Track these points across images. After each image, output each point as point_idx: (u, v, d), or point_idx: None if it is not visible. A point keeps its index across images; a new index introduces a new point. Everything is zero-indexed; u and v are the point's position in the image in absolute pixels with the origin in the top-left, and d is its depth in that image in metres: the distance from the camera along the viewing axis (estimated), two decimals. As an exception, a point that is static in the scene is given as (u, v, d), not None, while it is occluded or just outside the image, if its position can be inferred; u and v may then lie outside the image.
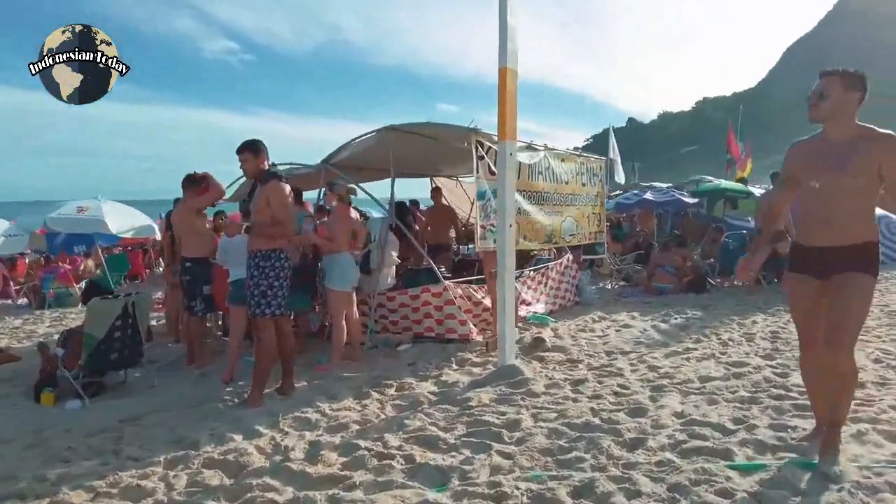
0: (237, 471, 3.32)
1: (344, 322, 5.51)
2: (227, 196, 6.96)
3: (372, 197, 6.96)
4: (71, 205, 9.28)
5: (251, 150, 4.54)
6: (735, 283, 9.37)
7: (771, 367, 4.72)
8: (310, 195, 8.28)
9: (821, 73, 2.81)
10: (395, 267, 6.60)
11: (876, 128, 2.73)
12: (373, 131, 6.16)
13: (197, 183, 5.90)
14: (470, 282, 6.68)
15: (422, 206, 9.68)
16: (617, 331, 6.51)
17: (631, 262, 11.00)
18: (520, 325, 6.77)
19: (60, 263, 13.14)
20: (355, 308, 5.77)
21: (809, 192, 2.85)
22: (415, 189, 10.38)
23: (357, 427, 3.87)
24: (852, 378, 2.90)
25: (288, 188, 4.55)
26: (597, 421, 3.60)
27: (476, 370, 5.10)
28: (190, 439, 3.81)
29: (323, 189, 6.44)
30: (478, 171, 5.61)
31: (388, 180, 8.32)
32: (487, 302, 6.35)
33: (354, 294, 5.76)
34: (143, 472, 3.33)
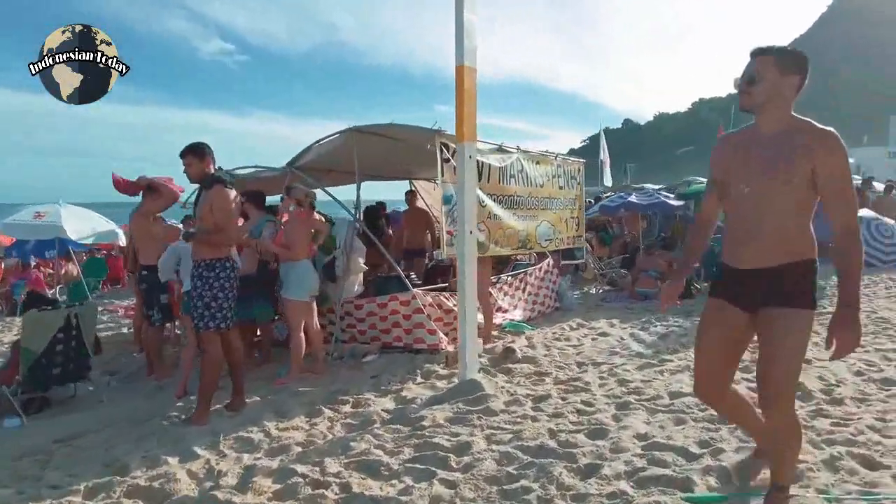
0: (160, 500, 3.07)
1: (302, 333, 5.25)
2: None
3: (337, 200, 6.71)
4: (28, 210, 9.02)
5: (195, 153, 4.29)
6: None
7: (746, 380, 4.45)
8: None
9: (751, 53, 2.35)
10: (362, 274, 6.34)
11: (814, 122, 2.28)
12: (337, 133, 5.91)
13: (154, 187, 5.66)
14: (441, 289, 6.43)
15: (389, 209, 9.42)
16: (593, 339, 6.26)
17: (616, 266, 10.76)
18: (495, 333, 6.55)
19: (42, 268, 12.86)
20: (315, 318, 5.51)
21: (738, 197, 2.37)
22: (390, 192, 10.11)
23: (299, 449, 3.61)
24: (795, 433, 2.43)
25: (233, 193, 4.30)
26: (552, 444, 3.34)
27: (440, 384, 4.84)
28: (121, 462, 3.56)
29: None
30: (443, 174, 5.36)
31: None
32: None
33: (315, 303, 5.49)
34: (58, 502, 3.08)
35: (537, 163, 6.87)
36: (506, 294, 7.38)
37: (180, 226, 6.40)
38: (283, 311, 5.50)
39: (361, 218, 7.18)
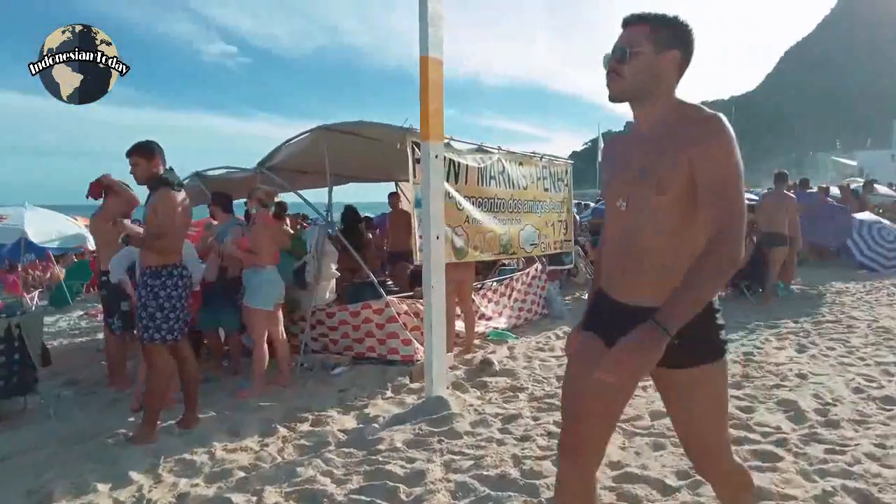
0: (76, 536, 2.76)
1: (265, 344, 4.94)
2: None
3: (308, 203, 6.40)
4: (-9, 212, 8.73)
5: (142, 152, 3.98)
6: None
7: (735, 398, 4.14)
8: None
9: (624, 21, 1.78)
10: (335, 280, 6.03)
11: (703, 107, 1.71)
12: (306, 131, 5.61)
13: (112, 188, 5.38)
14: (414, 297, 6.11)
15: (374, 213, 9.13)
16: (578, 350, 5.94)
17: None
18: (477, 342, 6.24)
19: (31, 270, 12.55)
20: (281, 327, 5.19)
21: (613, 214, 1.84)
22: (377, 194, 9.81)
23: (242, 475, 3.30)
24: (744, 485, 2.01)
25: (181, 196, 3.98)
26: (515, 473, 3.03)
27: (409, 399, 4.53)
28: (46, 489, 3.25)
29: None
30: (414, 176, 5.05)
31: (346, 186, 7.75)
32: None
33: (280, 312, 5.18)
34: (-37, 537, 2.78)
35: (520, 164, 6.56)
36: (490, 301, 7.06)
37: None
38: (246, 321, 5.18)
39: (339, 220, 6.88)
